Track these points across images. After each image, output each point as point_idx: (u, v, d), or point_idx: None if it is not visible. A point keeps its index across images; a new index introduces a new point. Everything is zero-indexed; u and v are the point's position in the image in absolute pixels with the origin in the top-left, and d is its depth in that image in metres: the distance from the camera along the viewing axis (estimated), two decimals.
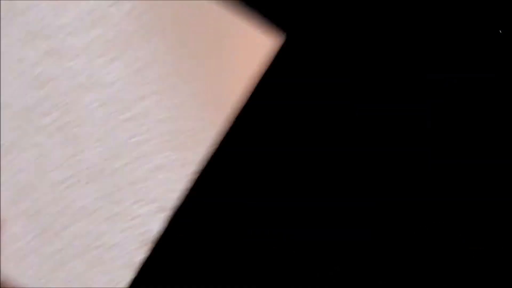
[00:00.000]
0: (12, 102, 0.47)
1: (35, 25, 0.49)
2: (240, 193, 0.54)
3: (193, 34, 0.50)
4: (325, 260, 0.52)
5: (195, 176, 0.52)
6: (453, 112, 0.57)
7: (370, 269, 0.52)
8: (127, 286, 0.47)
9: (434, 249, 0.53)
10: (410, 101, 0.58)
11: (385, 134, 0.56)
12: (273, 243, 0.52)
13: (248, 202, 0.53)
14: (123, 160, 0.47)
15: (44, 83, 0.48)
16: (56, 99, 0.47)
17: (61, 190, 0.46)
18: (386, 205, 0.54)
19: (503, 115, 0.58)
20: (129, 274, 0.45)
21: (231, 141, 0.55)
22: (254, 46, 0.49)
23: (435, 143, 0.56)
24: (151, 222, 0.47)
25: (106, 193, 0.46)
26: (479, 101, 0.58)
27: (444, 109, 0.57)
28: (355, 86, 0.58)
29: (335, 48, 0.59)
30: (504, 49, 0.60)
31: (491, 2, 0.61)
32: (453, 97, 0.58)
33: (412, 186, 0.55)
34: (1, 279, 0.44)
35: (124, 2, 0.50)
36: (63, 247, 0.45)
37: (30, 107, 0.47)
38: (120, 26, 0.49)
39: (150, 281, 0.50)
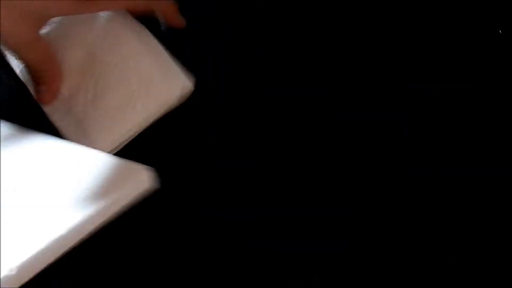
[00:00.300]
0: None
1: None
2: (215, 205, 0.53)
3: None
4: (303, 270, 0.52)
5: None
6: (431, 122, 0.58)
7: (349, 279, 0.52)
8: None
9: (413, 260, 0.53)
10: (388, 111, 0.58)
11: (363, 144, 0.56)
12: (249, 256, 0.52)
13: (224, 214, 0.53)
14: None
15: None
16: None
17: None
18: (364, 215, 0.54)
19: (481, 125, 0.58)
20: None
21: (206, 154, 0.55)
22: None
23: (413, 153, 0.56)
24: None
25: None
26: (457, 111, 0.58)
27: (422, 119, 0.58)
28: (333, 96, 0.58)
29: (313, 59, 0.59)
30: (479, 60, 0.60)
31: (466, 13, 0.62)
32: (431, 107, 0.58)
33: (390, 196, 0.55)
34: None
35: None
36: None
37: None
38: None
39: None
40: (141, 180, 0.46)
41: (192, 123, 0.56)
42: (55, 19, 0.53)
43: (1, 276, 0.40)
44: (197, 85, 0.57)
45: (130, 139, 0.53)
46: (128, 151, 0.53)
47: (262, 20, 0.61)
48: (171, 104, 0.52)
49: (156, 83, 0.52)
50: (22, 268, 0.41)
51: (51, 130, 0.53)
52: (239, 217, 0.53)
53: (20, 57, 0.51)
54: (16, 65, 0.54)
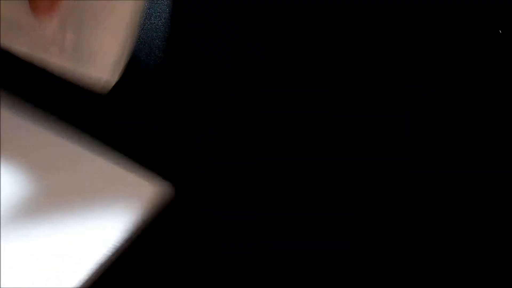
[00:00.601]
0: None
1: None
2: (215, 205, 0.53)
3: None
4: (303, 270, 0.52)
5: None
6: (431, 122, 0.58)
7: (349, 279, 0.52)
8: None
9: (413, 260, 0.53)
10: (388, 111, 0.58)
11: (363, 144, 0.56)
12: (249, 256, 0.52)
13: (224, 214, 0.53)
14: None
15: None
16: None
17: None
18: (364, 215, 0.54)
19: (481, 125, 0.58)
20: None
21: (206, 154, 0.55)
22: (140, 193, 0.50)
23: (413, 153, 0.56)
24: None
25: None
26: (457, 111, 0.58)
27: (422, 119, 0.58)
28: (333, 96, 0.58)
29: (313, 59, 0.59)
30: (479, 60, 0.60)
31: (466, 13, 0.62)
32: (431, 107, 0.58)
33: (390, 196, 0.55)
34: None
35: None
36: None
37: None
38: None
39: None
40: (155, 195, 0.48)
41: (192, 123, 0.56)
42: None
43: None
44: (197, 85, 0.57)
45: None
46: (129, 151, 0.53)
47: (262, 20, 0.61)
48: None
49: None
50: None
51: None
52: (239, 217, 0.53)
53: None
54: None
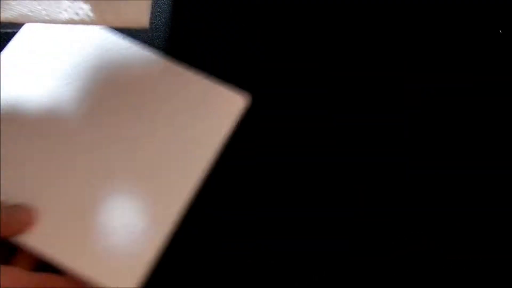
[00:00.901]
0: None
1: None
2: (215, 205, 0.53)
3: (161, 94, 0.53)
4: (303, 270, 0.52)
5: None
6: (431, 122, 0.58)
7: (349, 279, 0.52)
8: None
9: (413, 260, 0.53)
10: (388, 111, 0.58)
11: (363, 144, 0.56)
12: (249, 256, 0.52)
13: (224, 214, 0.53)
14: None
15: None
16: None
17: None
18: (364, 215, 0.54)
19: (481, 125, 0.58)
20: None
21: None
22: (226, 104, 0.52)
23: (413, 153, 0.56)
24: None
25: None
26: (457, 111, 0.58)
27: (422, 119, 0.58)
28: (333, 96, 0.58)
29: (313, 59, 0.59)
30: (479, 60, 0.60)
31: (466, 13, 0.62)
32: (431, 107, 0.58)
33: (390, 196, 0.55)
34: None
35: None
36: None
37: None
38: None
39: None
40: (237, 104, 0.51)
41: None
42: None
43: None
44: None
45: None
46: None
47: (262, 20, 0.61)
48: None
49: None
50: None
51: None
52: (239, 217, 0.53)
53: None
54: None
